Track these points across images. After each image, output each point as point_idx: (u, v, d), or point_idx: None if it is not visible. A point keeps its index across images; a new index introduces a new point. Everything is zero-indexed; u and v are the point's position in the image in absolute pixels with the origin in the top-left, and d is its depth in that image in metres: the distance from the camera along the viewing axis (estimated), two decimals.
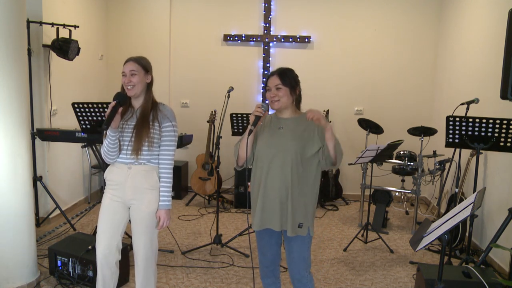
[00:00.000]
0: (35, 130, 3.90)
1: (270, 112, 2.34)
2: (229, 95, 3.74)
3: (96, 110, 3.31)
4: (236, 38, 5.61)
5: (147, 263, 2.39)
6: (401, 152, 4.65)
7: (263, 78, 5.66)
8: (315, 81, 5.56)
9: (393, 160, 4.64)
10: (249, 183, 2.40)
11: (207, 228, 4.45)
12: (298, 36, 5.57)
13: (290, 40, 5.58)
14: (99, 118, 3.33)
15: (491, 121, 3.12)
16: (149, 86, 2.38)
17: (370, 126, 4.56)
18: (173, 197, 5.40)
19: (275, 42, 5.62)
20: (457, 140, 3.30)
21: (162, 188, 2.36)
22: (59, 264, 3.12)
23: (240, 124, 4.29)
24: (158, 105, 2.39)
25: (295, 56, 5.63)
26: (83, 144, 3.81)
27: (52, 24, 4.11)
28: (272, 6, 5.59)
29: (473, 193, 2.20)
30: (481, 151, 3.26)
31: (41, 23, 4.06)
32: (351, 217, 5.01)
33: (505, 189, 3.57)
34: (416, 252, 3.45)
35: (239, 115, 4.26)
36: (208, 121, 4.98)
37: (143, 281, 2.41)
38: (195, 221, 4.67)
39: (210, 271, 3.42)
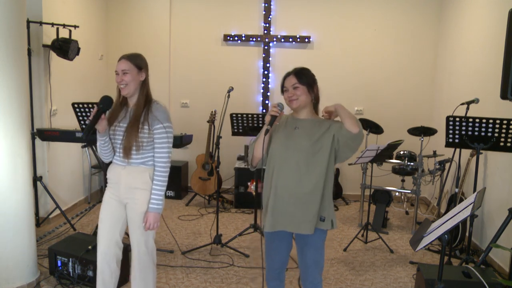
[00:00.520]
0: (35, 130, 3.90)
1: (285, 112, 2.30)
2: (229, 95, 3.74)
3: None
4: (236, 38, 5.61)
5: (141, 262, 2.38)
6: (401, 152, 4.65)
7: (263, 78, 5.66)
8: None
9: (393, 160, 4.64)
10: (259, 184, 2.37)
11: (207, 228, 4.45)
12: (298, 36, 5.57)
13: (290, 40, 5.58)
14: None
15: (491, 121, 3.12)
16: (143, 83, 2.34)
17: (370, 126, 4.56)
18: (173, 197, 5.48)
19: (275, 42, 5.62)
20: (457, 140, 3.30)
21: (153, 190, 2.31)
22: (59, 264, 3.12)
23: (240, 124, 4.29)
24: (151, 105, 2.32)
25: (295, 56, 5.62)
26: (83, 144, 3.81)
27: (52, 24, 4.11)
28: (272, 6, 5.59)
29: (473, 193, 2.20)
30: (481, 151, 3.26)
31: (41, 23, 4.06)
32: (351, 217, 5.01)
33: (505, 189, 3.57)
34: (416, 252, 3.45)
35: (239, 115, 4.25)
36: (208, 121, 4.98)
37: (140, 281, 2.40)
38: (195, 221, 4.67)
39: (210, 271, 3.42)
